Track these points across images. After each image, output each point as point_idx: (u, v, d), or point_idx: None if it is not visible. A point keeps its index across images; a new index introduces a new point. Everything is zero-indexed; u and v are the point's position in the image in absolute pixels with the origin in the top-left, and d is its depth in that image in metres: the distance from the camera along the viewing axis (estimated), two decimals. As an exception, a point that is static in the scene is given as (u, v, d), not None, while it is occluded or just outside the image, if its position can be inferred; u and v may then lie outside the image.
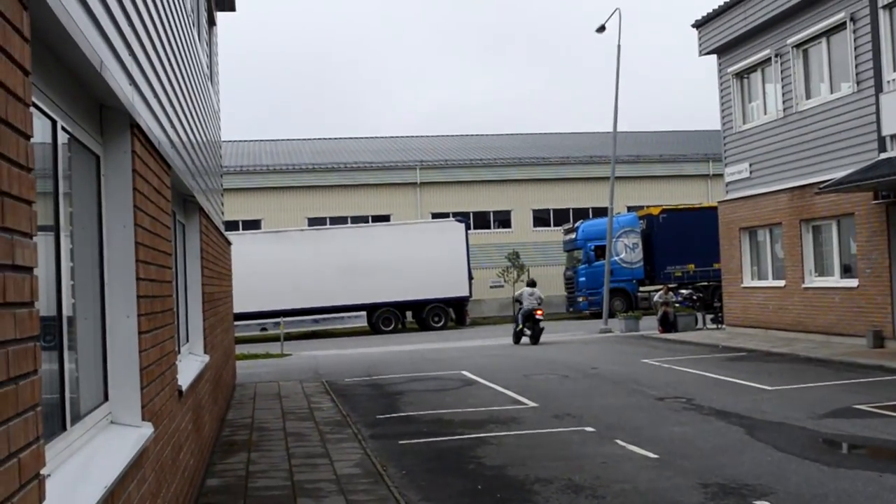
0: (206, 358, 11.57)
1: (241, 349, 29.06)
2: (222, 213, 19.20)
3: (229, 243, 19.40)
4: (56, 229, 4.57)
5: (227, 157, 50.77)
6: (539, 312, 29.06)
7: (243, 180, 48.15)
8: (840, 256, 22.79)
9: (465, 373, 20.96)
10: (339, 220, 48.20)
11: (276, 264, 38.58)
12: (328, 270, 39.31)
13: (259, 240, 40.18)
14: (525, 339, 29.40)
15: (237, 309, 23.55)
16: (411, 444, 12.37)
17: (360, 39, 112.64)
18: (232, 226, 45.37)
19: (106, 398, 5.71)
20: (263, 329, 38.38)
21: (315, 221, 47.88)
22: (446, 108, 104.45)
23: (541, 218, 52.31)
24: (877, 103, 20.37)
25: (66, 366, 4.61)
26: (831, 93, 22.63)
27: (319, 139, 58.46)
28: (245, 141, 56.51)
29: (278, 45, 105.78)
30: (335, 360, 26.53)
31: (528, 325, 28.98)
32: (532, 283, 30.72)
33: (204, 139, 13.16)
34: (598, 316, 35.88)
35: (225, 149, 53.02)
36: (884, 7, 20.21)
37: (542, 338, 29.03)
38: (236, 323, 24.74)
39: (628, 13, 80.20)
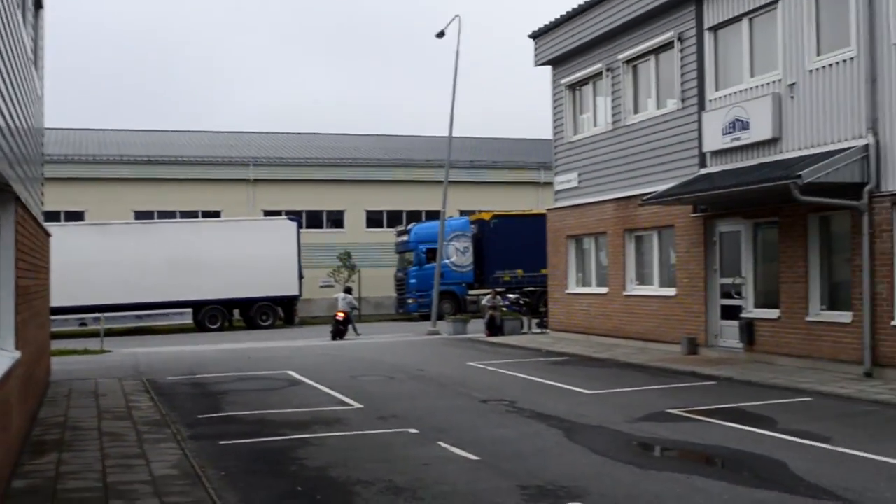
0: (17, 354, 11.02)
1: (58, 345, 27.92)
2: (42, 203, 18.38)
3: (48, 235, 18.58)
4: None
5: (52, 146, 48.78)
6: (338, 314, 32.75)
7: (67, 170, 46.28)
8: (660, 266, 23.64)
9: (290, 373, 20.72)
10: (167, 215, 46.94)
11: (98, 257, 37.30)
12: (154, 265, 38.25)
13: (81, 232, 38.75)
14: (351, 335, 32.28)
15: (56, 303, 22.60)
16: (232, 445, 12.12)
17: (202, 32, 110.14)
18: (53, 216, 43.57)
19: None
20: (83, 324, 37.00)
21: (142, 215, 46.48)
22: (287, 106, 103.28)
23: (374, 219, 52.36)
24: (699, 120, 21.22)
25: None
26: (658, 108, 23.45)
27: (151, 131, 56.80)
28: (72, 129, 54.32)
29: (113, 33, 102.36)
30: (157, 358, 25.79)
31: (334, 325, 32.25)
32: (347, 290, 34.32)
33: (23, 125, 12.56)
34: (427, 318, 36.15)
35: (50, 136, 50.96)
36: (709, 29, 21.08)
37: (371, 339, 29.29)
38: (54, 318, 23.74)
39: (471, 20, 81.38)
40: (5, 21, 9.63)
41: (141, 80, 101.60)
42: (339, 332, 32.63)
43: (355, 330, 33.36)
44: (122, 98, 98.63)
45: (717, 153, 20.63)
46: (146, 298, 38.24)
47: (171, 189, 48.45)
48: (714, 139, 20.47)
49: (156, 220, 43.79)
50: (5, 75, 9.64)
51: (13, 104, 10.71)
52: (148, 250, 38.47)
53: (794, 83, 18.45)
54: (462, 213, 48.47)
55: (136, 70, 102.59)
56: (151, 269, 38.14)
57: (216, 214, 48.12)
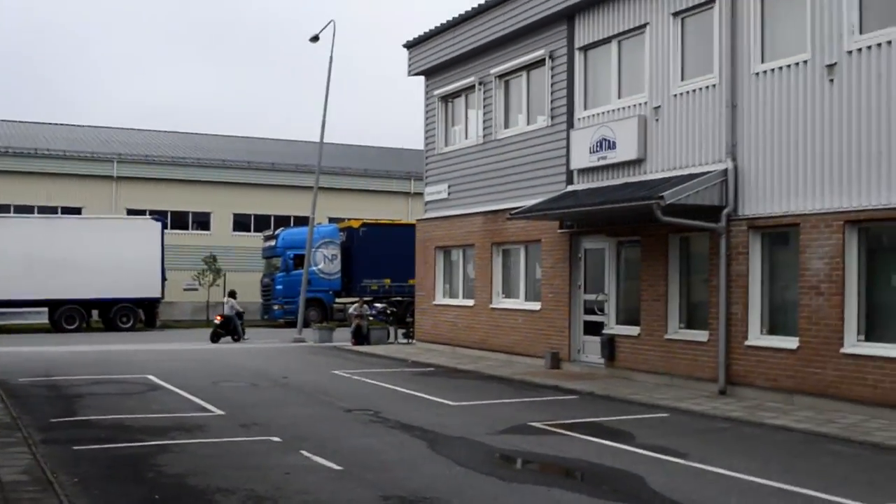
0: None
1: None
2: None
3: None
4: None
5: None
6: (217, 318, 32.97)
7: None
8: (526, 280, 23.98)
9: (151, 377, 20.24)
10: (25, 210, 45.30)
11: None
12: (8, 261, 36.84)
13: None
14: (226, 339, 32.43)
15: None
16: (87, 451, 11.76)
17: (71, 20, 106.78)
18: None
19: None
20: (-71, 321, 35.39)
21: (-4, 209, 44.75)
22: (153, 104, 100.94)
23: (242, 223, 51.66)
24: (568, 138, 21.63)
25: None
26: (528, 124, 23.80)
27: (8, 121, 54.68)
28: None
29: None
30: (10, 358, 24.83)
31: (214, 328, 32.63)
32: (232, 294, 34.01)
33: None
34: (292, 325, 35.82)
35: None
36: (580, 49, 21.53)
37: (234, 345, 28.71)
38: None
39: (348, 26, 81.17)
40: None
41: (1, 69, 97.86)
42: (216, 334, 32.22)
43: (243, 333, 32.97)
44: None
45: (584, 171, 21.07)
46: (0, 296, 36.83)
47: (30, 183, 46.78)
48: (581, 157, 20.90)
49: (10, 215, 42.20)
50: None
51: None
52: (3, 246, 37.04)
53: (658, 106, 19.01)
54: (331, 220, 48.24)
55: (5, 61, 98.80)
56: (5, 266, 36.74)
57: (77, 211, 46.72)
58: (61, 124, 56.28)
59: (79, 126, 56.62)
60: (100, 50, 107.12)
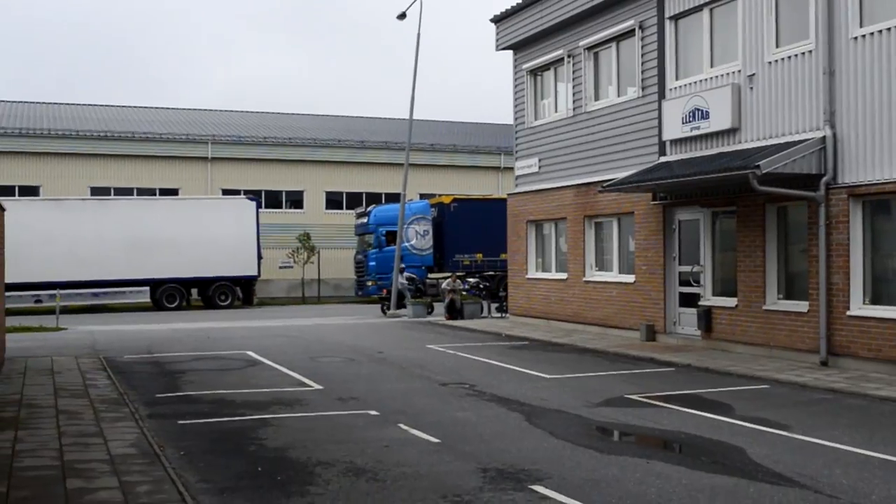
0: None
1: (13, 321, 27.59)
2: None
3: (2, 209, 18.35)
4: None
5: (5, 119, 48.09)
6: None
7: (22, 143, 45.74)
8: (619, 253, 23.80)
9: (250, 353, 20.67)
10: (124, 192, 46.56)
11: (54, 233, 36.95)
12: (111, 242, 37.94)
13: (36, 207, 38.35)
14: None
15: (10, 279, 22.33)
16: (191, 425, 12.08)
17: (162, 6, 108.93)
18: (7, 191, 43.03)
19: None
20: (38, 301, 36.62)
21: (99, 191, 46.04)
22: (244, 84, 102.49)
23: (334, 200, 52.21)
24: (659, 109, 21.36)
25: None
26: (618, 96, 23.55)
27: (107, 106, 56.11)
28: (27, 102, 53.61)
29: (68, 7, 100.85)
30: (114, 336, 25.60)
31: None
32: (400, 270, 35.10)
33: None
34: (384, 300, 36.14)
35: (4, 110, 50.23)
36: (670, 18, 21.20)
37: (329, 320, 29.07)
38: (8, 294, 23.45)
39: (434, 2, 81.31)
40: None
41: (98, 56, 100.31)
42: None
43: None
44: (80, 73, 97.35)
45: (677, 142, 20.80)
46: (103, 276, 37.94)
47: (128, 165, 48.00)
48: (674, 128, 20.62)
49: (112, 197, 43.37)
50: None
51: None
52: (104, 227, 38.12)
53: (753, 74, 18.63)
54: (422, 196, 48.46)
55: (94, 46, 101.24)
56: (108, 247, 37.83)
57: (174, 192, 47.76)
58: (156, 108, 57.56)
59: (173, 109, 57.87)
60: (192, 33, 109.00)
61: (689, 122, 20.11)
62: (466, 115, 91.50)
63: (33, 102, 53.99)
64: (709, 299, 20.23)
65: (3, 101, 53.05)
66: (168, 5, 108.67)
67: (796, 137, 17.44)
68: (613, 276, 23.85)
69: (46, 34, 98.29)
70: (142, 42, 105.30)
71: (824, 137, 16.82)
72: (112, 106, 56.30)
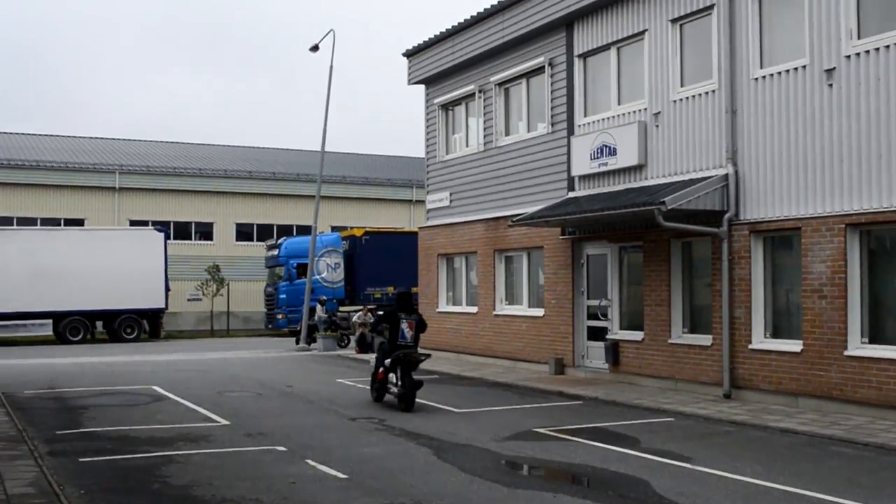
0: None
1: None
2: None
3: None
4: None
5: None
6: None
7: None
8: (529, 286, 24.01)
9: (155, 388, 20.29)
10: (27, 222, 45.47)
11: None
12: (12, 274, 36.98)
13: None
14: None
15: None
16: (93, 462, 11.79)
17: (70, 33, 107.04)
18: None
19: None
20: (-65, 334, 35.49)
21: (1, 221, 44.87)
22: (154, 114, 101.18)
23: (244, 232, 51.77)
24: (568, 145, 21.68)
25: None
26: (528, 131, 23.85)
27: (11, 133, 54.86)
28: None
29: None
30: (15, 371, 24.89)
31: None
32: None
33: None
34: (296, 334, 35.83)
35: None
36: (579, 56, 21.58)
37: (237, 354, 28.66)
38: None
39: (347, 34, 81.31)
40: None
41: (1, 81, 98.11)
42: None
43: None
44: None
45: (585, 177, 21.12)
46: (4, 308, 36.92)
47: (32, 195, 46.96)
48: (582, 164, 20.94)
49: (14, 227, 42.33)
50: None
51: None
52: (6, 258, 37.16)
53: (658, 112, 19.06)
54: (334, 228, 48.30)
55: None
56: (9, 278, 36.86)
57: (80, 222, 46.83)
58: (62, 136, 56.44)
59: (80, 138, 56.79)
60: (98, 61, 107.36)
61: (598, 158, 20.45)
62: (378, 148, 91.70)
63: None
64: (616, 333, 20.50)
65: None
66: (76, 30, 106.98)
67: (701, 174, 17.85)
68: (523, 309, 24.03)
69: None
70: (41, 69, 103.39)
71: (727, 175, 17.25)
72: (14, 133, 55.06)
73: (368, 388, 18.38)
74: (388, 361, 17.07)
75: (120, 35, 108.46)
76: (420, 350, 17.36)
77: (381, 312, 35.23)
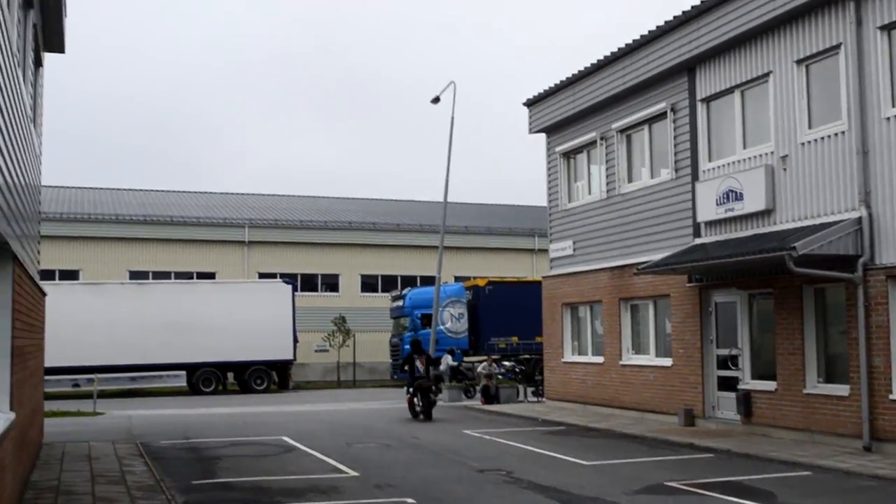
0: (12, 415, 10.98)
1: (50, 405, 27.75)
2: (38, 262, 18.39)
3: (44, 294, 18.58)
4: None
5: (47, 203, 48.95)
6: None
7: (62, 228, 46.48)
8: (656, 336, 23.65)
9: (285, 438, 20.61)
10: (162, 276, 47.03)
11: (92, 317, 37.37)
12: (148, 326, 38.28)
13: (76, 291, 38.77)
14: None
15: (49, 363, 22.55)
16: (227, 514, 12.03)
17: (200, 92, 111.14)
18: (48, 275, 43.59)
19: None
20: (76, 385, 36.86)
21: (137, 275, 46.57)
22: (281, 168, 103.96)
23: (369, 283, 52.46)
24: (693, 191, 21.39)
25: None
26: (651, 178, 23.63)
27: (146, 191, 57.18)
28: (68, 187, 54.63)
29: (112, 91, 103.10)
30: (151, 421, 25.65)
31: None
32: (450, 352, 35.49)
33: (21, 182, 12.64)
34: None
35: (46, 194, 51.16)
36: (702, 100, 21.36)
37: (364, 405, 28.93)
38: (47, 378, 23.63)
39: (466, 86, 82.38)
40: (6, 79, 9.77)
41: (139, 142, 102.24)
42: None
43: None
44: (119, 158, 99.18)
45: (711, 223, 20.78)
46: (140, 360, 38.18)
47: (166, 249, 48.66)
48: (708, 209, 20.63)
49: (150, 281, 43.87)
50: (5, 133, 9.74)
51: (12, 161, 10.78)
52: (142, 311, 38.50)
53: (786, 155, 18.66)
54: (456, 278, 48.56)
55: (134, 131, 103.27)
56: (146, 330, 38.17)
57: (211, 276, 48.19)
58: (192, 192, 58.47)
59: (209, 193, 58.70)
60: (228, 119, 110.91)
61: (723, 203, 20.12)
62: (499, 198, 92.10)
63: (74, 187, 54.99)
64: (748, 383, 19.99)
65: (46, 186, 54.05)
66: (205, 90, 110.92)
67: (832, 218, 17.37)
68: (650, 359, 23.66)
69: (86, 122, 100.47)
70: (174, 128, 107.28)
71: (860, 218, 16.75)
72: (150, 191, 57.29)
73: (495, 439, 18.91)
74: (411, 389, 25.64)
75: (254, 96, 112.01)
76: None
77: (506, 363, 35.25)
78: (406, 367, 26.33)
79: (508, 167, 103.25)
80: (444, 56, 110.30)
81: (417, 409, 25.32)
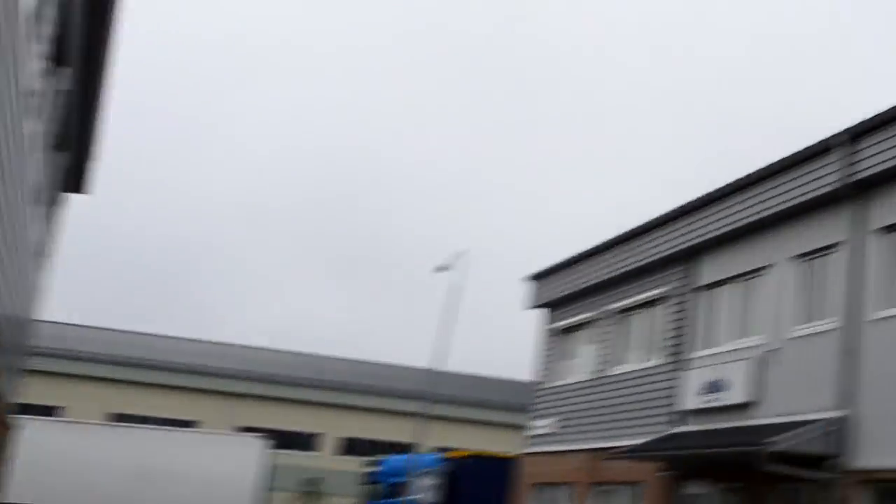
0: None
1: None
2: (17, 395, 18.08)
3: (8, 427, 18.23)
4: None
5: (46, 339, 48.93)
6: None
7: (48, 363, 46.17)
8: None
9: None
10: (135, 419, 46.41)
11: (66, 458, 36.50)
12: (117, 472, 37.29)
13: (51, 429, 38.09)
14: None
15: (14, 499, 21.94)
16: None
17: (213, 242, 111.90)
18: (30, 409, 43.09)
19: None
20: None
21: (115, 418, 45.92)
22: (285, 323, 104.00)
23: (348, 446, 51.69)
24: (678, 378, 21.14)
25: None
26: (640, 362, 23.39)
27: (135, 333, 56.86)
28: (68, 325, 54.36)
29: (131, 233, 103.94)
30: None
31: None
32: None
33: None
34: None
35: (45, 329, 51.10)
36: (697, 289, 21.33)
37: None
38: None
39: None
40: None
41: (144, 282, 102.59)
42: None
43: None
44: (123, 297, 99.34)
45: (693, 412, 20.37)
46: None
47: (145, 393, 48.20)
48: (691, 398, 20.33)
49: (122, 424, 43.15)
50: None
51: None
52: (108, 454, 37.56)
53: (773, 349, 18.47)
54: (440, 449, 47.81)
55: (139, 270, 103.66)
56: (109, 477, 37.10)
57: (190, 424, 47.48)
58: (181, 338, 57.99)
59: (197, 341, 58.24)
60: (229, 276, 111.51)
61: (706, 393, 19.87)
62: (476, 368, 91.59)
63: (76, 325, 54.53)
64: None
65: (47, 321, 54.06)
66: (188, 238, 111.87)
67: (812, 416, 17.04)
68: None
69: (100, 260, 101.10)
70: (172, 272, 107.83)
71: (838, 418, 16.50)
72: (142, 334, 56.82)
73: None
74: None
75: (256, 256, 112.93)
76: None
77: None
78: None
79: (495, 339, 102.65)
80: (435, 220, 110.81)
81: None
